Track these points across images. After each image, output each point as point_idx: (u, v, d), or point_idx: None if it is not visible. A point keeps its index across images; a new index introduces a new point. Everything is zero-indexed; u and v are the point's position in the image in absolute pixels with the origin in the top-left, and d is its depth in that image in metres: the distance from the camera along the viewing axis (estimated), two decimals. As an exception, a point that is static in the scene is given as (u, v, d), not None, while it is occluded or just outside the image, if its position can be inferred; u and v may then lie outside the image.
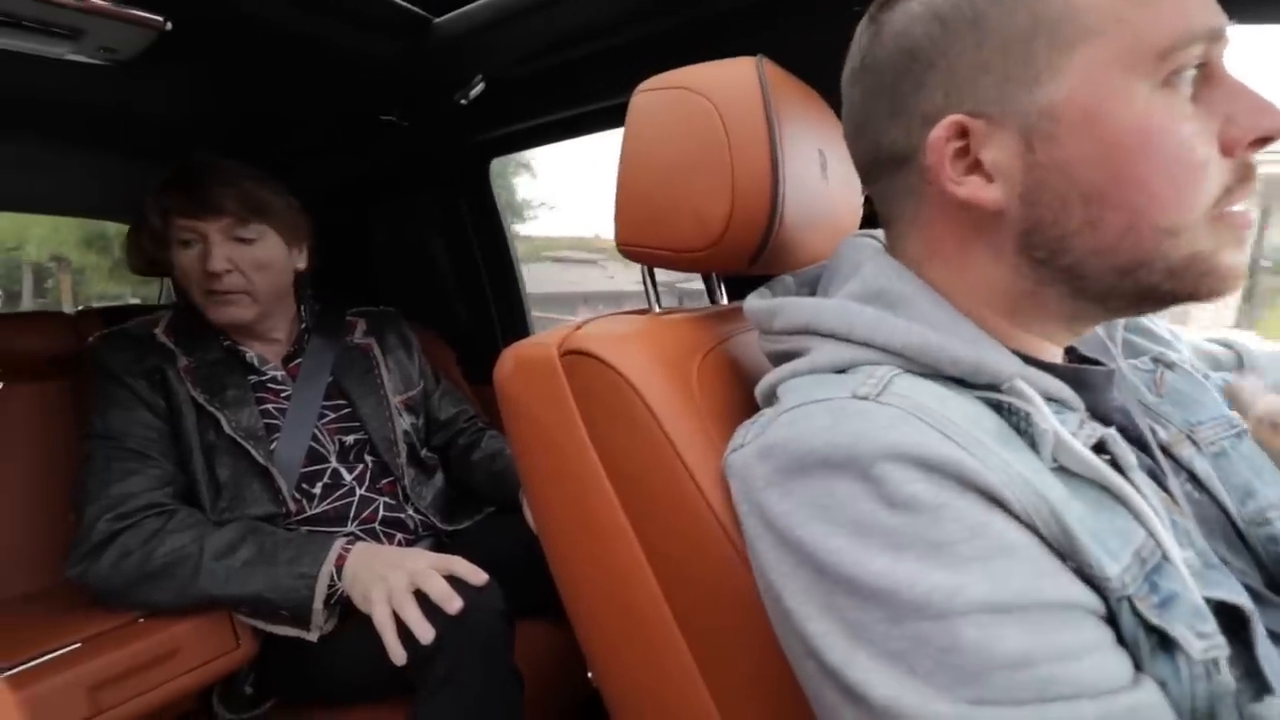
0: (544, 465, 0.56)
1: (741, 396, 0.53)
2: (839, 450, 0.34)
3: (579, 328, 0.56)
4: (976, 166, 0.38)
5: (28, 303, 10.90)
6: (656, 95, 0.56)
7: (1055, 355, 0.44)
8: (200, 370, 0.95)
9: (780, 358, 0.47)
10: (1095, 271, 0.38)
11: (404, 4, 0.79)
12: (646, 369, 0.50)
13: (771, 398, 0.45)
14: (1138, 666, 0.32)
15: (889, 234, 0.47)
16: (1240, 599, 0.34)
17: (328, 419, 1.02)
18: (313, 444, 0.99)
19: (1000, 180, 0.38)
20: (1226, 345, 0.59)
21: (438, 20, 0.85)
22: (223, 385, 0.95)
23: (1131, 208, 0.35)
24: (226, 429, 0.92)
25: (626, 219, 0.58)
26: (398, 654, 0.74)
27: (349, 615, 0.81)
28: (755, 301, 0.50)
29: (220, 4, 0.71)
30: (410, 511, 1.03)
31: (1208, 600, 0.33)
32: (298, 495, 0.95)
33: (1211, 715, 0.31)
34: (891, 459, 0.33)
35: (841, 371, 0.41)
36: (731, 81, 0.53)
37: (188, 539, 0.81)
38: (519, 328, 1.37)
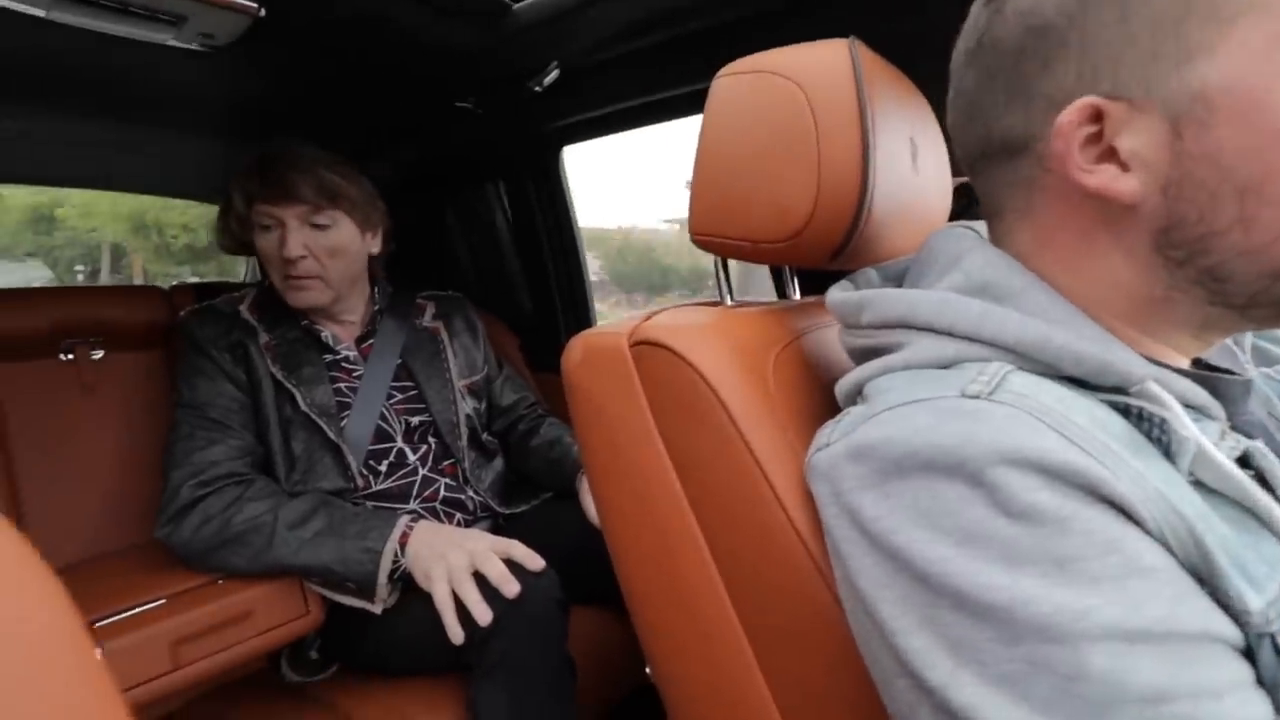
0: (610, 456, 0.55)
1: (820, 395, 0.50)
2: (945, 453, 0.31)
3: (649, 318, 0.54)
4: (1110, 154, 0.34)
5: (105, 278, 12.07)
6: (740, 80, 0.54)
7: (1182, 365, 0.40)
8: (280, 347, 0.99)
9: (866, 354, 0.44)
10: (1242, 275, 0.34)
11: None
12: (720, 362, 0.48)
13: (856, 396, 0.42)
14: (1277, 711, 0.29)
15: (993, 227, 0.44)
16: None
17: (395, 399, 1.05)
18: (380, 423, 1.02)
19: (1138, 170, 0.34)
20: None
21: (516, 6, 0.85)
22: (300, 363, 0.99)
23: None
24: (302, 405, 0.95)
25: (702, 208, 0.57)
26: (456, 633, 0.75)
27: (410, 591, 0.83)
28: (839, 294, 0.48)
29: None
30: (470, 493, 1.05)
31: None
32: (365, 471, 0.98)
33: None
34: (1008, 463, 0.30)
35: (943, 369, 0.37)
36: (822, 65, 0.50)
37: (264, 508, 0.85)
38: (582, 318, 1.37)
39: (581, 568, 0.87)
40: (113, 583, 0.84)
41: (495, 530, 1.06)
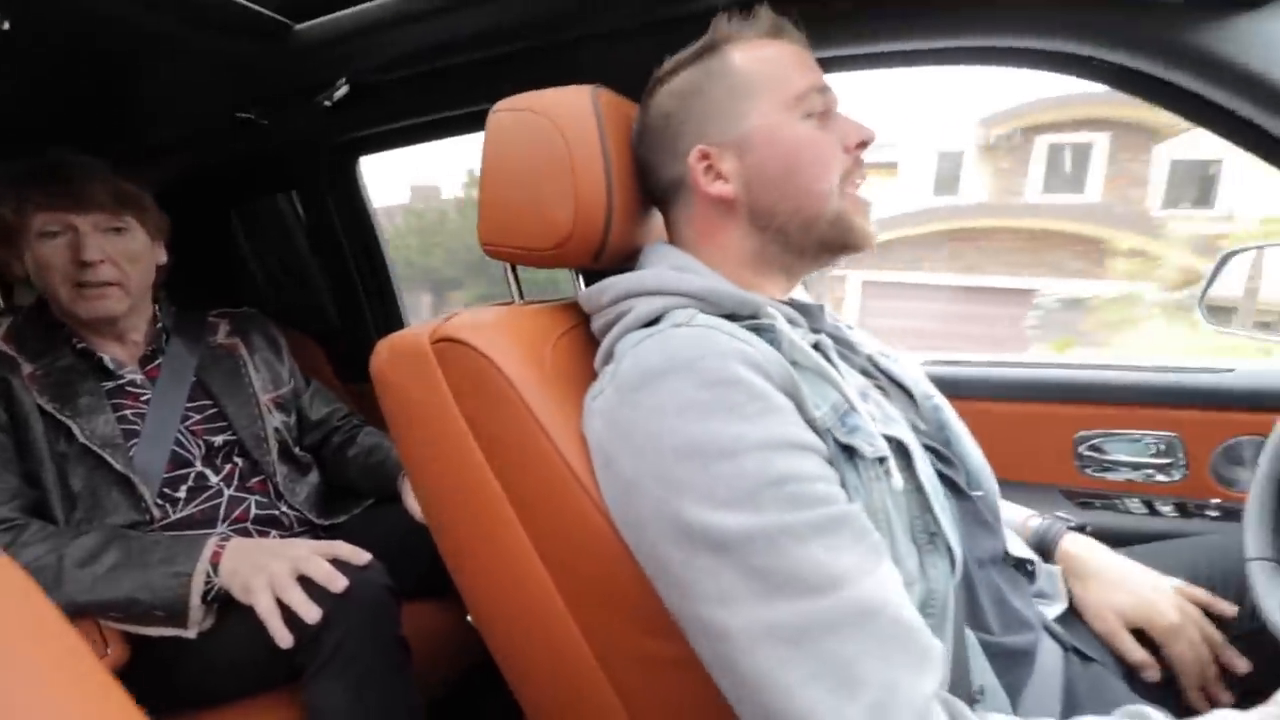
0: (423, 445, 0.63)
1: (590, 369, 0.63)
2: (672, 358, 0.50)
3: (449, 319, 0.63)
4: (718, 175, 0.62)
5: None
6: (510, 115, 0.65)
7: (781, 299, 0.65)
8: (49, 377, 0.91)
9: (609, 328, 0.61)
10: (793, 226, 0.62)
11: (262, 10, 0.81)
12: (507, 350, 0.58)
13: (609, 357, 0.58)
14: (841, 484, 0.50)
15: (672, 232, 0.68)
16: (904, 435, 0.55)
17: (192, 420, 1.01)
18: (176, 448, 0.97)
19: (732, 180, 0.62)
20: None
21: (298, 26, 0.87)
22: (74, 392, 0.91)
23: (800, 182, 0.60)
24: (80, 438, 0.89)
25: (488, 222, 0.67)
26: (284, 637, 0.76)
27: (227, 609, 0.82)
28: (587, 289, 0.64)
29: (62, 4, 0.70)
30: (284, 508, 1.04)
31: (886, 437, 0.53)
32: (160, 501, 0.94)
33: (887, 516, 0.51)
34: (711, 355, 0.50)
35: (657, 320, 0.58)
36: (571, 107, 0.63)
37: (43, 550, 0.79)
38: (393, 324, 1.39)
39: (409, 564, 0.92)
40: None
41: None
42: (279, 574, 0.79)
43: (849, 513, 0.47)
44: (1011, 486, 1.06)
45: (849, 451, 0.51)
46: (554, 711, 0.62)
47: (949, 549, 0.54)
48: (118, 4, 0.72)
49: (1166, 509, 0.99)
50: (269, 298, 1.46)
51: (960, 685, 0.53)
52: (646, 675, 0.55)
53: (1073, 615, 0.74)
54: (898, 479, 0.52)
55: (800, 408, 0.51)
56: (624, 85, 0.71)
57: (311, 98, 1.00)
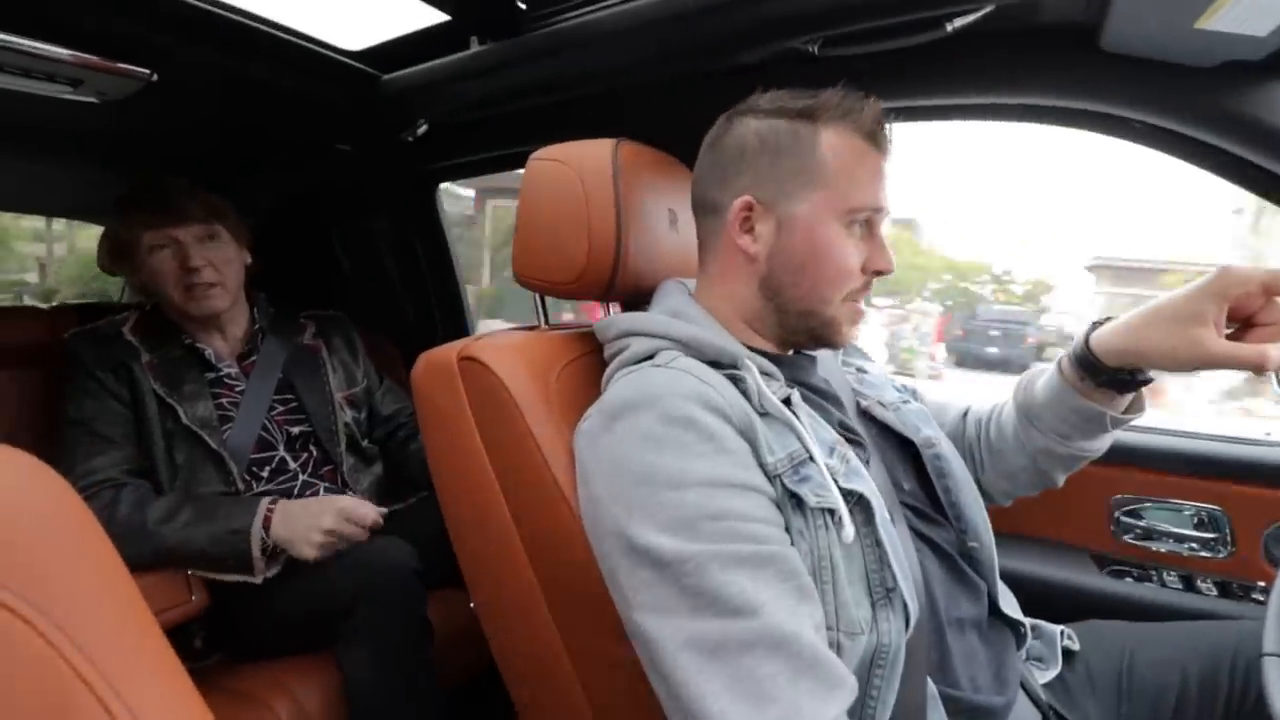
0: (445, 450, 0.71)
1: (588, 393, 0.69)
2: (642, 395, 0.56)
3: (478, 339, 0.72)
4: (750, 229, 0.65)
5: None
6: (542, 164, 0.74)
7: (767, 349, 0.68)
8: (162, 366, 1.08)
9: (614, 357, 0.67)
10: (790, 309, 0.66)
11: (355, 64, 0.96)
12: (517, 372, 0.66)
13: (607, 385, 0.64)
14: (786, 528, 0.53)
15: (700, 257, 0.71)
16: (868, 490, 0.56)
17: (277, 411, 1.16)
18: (262, 433, 1.12)
19: (760, 242, 0.65)
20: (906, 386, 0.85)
21: (385, 76, 1.01)
22: (181, 380, 1.08)
23: (814, 281, 0.64)
24: (184, 419, 1.05)
25: (521, 255, 0.75)
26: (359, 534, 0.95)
27: (279, 578, 0.96)
28: (599, 322, 0.71)
29: (200, 60, 0.86)
30: (349, 495, 1.17)
31: (847, 491, 0.55)
32: (247, 477, 1.08)
33: (833, 564, 0.53)
34: (673, 395, 0.54)
35: (649, 358, 0.64)
36: (592, 159, 0.71)
37: (131, 510, 0.95)
38: (460, 332, 1.52)
39: (443, 552, 1.02)
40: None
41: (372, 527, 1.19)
42: (326, 544, 0.93)
43: (779, 553, 0.51)
44: (1038, 543, 1.04)
45: (796, 499, 0.54)
46: (533, 704, 0.69)
47: (904, 605, 0.55)
48: (241, 62, 0.88)
49: (1206, 586, 0.94)
50: (358, 303, 1.63)
51: None
52: (611, 675, 0.61)
53: (1062, 681, 0.73)
54: (849, 531, 0.54)
55: (755, 451, 0.55)
56: (658, 132, 0.78)
57: (396, 134, 1.15)
